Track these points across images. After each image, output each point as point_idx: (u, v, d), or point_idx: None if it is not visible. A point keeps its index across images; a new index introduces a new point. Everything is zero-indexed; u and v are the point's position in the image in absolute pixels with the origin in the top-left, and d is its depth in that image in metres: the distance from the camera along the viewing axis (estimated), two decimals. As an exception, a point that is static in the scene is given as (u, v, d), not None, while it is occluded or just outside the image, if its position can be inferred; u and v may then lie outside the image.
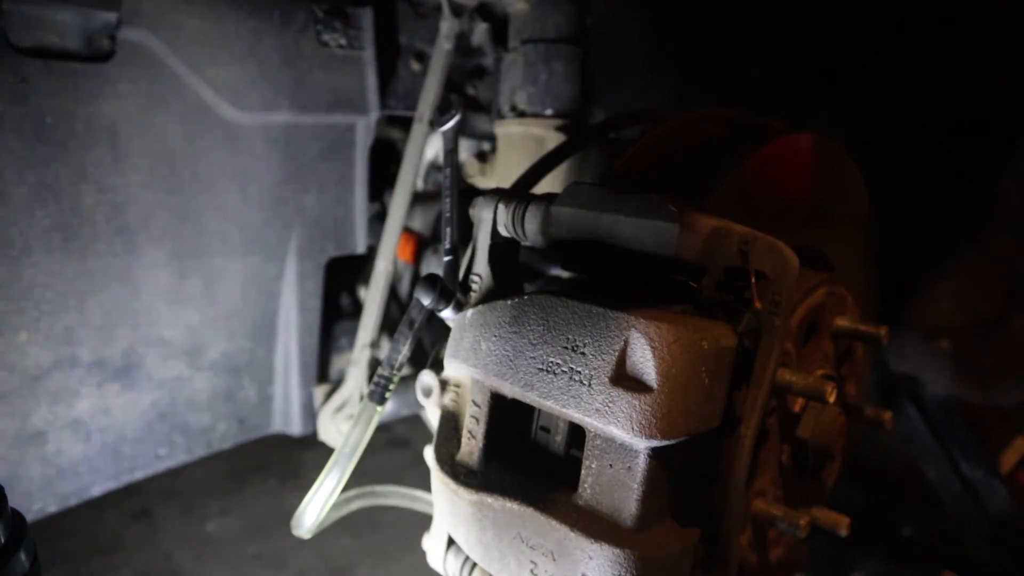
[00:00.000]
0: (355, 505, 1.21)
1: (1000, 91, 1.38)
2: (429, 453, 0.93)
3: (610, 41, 1.86)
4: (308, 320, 1.67)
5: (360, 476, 1.05)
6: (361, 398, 1.67)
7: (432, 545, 1.02)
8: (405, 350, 0.99)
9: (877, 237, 1.22)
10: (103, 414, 1.41)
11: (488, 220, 0.91)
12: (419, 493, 1.28)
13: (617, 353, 0.73)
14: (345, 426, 1.68)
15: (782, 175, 1.00)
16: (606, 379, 0.73)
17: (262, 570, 2.01)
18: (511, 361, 0.80)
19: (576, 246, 0.85)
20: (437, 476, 0.89)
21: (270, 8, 1.44)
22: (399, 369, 1.00)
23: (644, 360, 0.71)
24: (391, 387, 1.02)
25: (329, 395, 1.71)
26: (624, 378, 0.72)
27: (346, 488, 1.08)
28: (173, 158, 1.39)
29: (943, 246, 1.48)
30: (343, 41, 1.55)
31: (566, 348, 0.76)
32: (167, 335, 1.47)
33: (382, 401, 1.02)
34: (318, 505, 1.03)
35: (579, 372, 0.75)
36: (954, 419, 1.63)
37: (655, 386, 0.71)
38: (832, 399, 0.82)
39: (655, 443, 0.71)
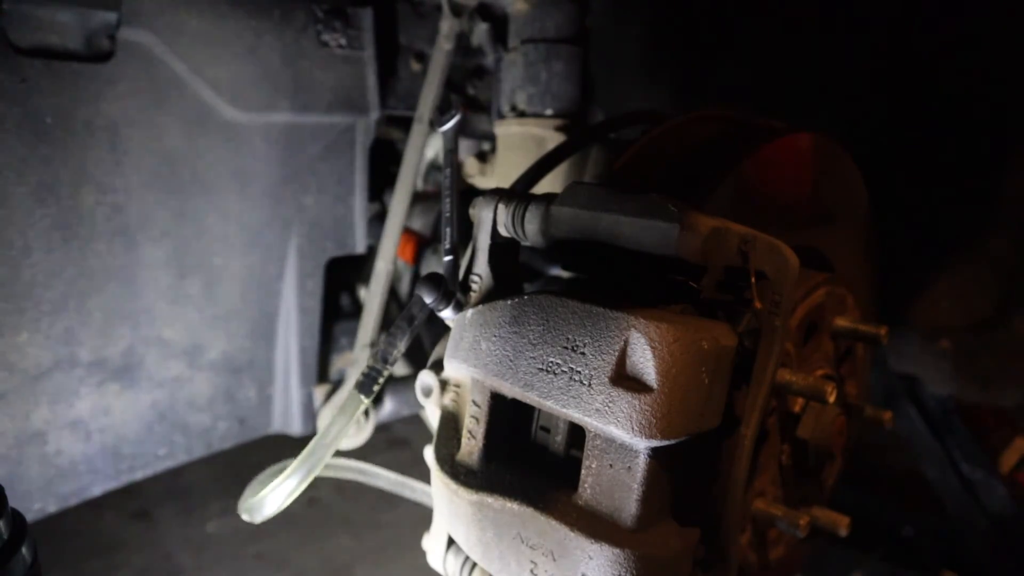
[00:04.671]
0: (345, 475, 1.19)
1: (1000, 90, 1.38)
2: (429, 453, 0.93)
3: (610, 41, 1.87)
4: (308, 320, 1.67)
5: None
6: (361, 398, 1.67)
7: (432, 545, 1.02)
8: (401, 345, 0.98)
9: (877, 237, 1.22)
10: (103, 414, 1.41)
11: (488, 220, 0.91)
12: (411, 481, 1.27)
13: (617, 353, 0.73)
14: (345, 426, 1.67)
15: (782, 175, 1.00)
16: (606, 379, 0.73)
17: (262, 570, 2.01)
18: (511, 361, 0.80)
19: (576, 246, 0.85)
20: (437, 476, 0.89)
21: (270, 8, 1.44)
22: (392, 364, 0.99)
23: (644, 360, 0.72)
24: (380, 380, 1.01)
25: (329, 395, 1.71)
26: (624, 378, 0.72)
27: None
28: (173, 158, 1.39)
29: (943, 246, 1.48)
30: (343, 41, 1.55)
31: (566, 348, 0.76)
32: (167, 335, 1.47)
33: (370, 393, 1.01)
34: (280, 498, 1.01)
35: (579, 372, 0.75)
36: (954, 419, 1.63)
37: (655, 386, 0.71)
38: (832, 399, 0.82)
39: (655, 443, 0.71)
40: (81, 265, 1.32)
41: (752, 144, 0.97)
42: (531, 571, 0.81)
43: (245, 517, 1.02)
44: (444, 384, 0.96)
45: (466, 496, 0.84)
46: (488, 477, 0.85)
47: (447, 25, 1.55)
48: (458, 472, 0.88)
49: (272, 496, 1.01)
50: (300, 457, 1.01)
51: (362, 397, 1.02)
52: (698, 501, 0.81)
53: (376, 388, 1.01)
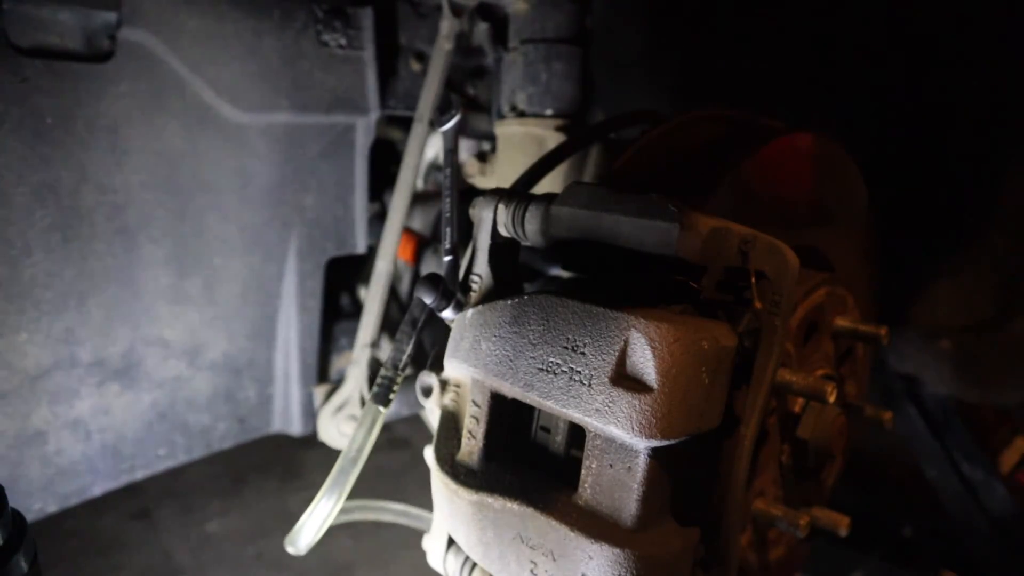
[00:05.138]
0: (349, 517, 1.20)
1: (1001, 90, 1.38)
2: (429, 453, 0.93)
3: (610, 41, 1.86)
4: (308, 320, 1.67)
5: (360, 477, 1.04)
6: (361, 398, 1.67)
7: (432, 545, 1.02)
8: (409, 349, 0.99)
9: (877, 237, 1.22)
10: (103, 414, 1.41)
11: (488, 220, 0.91)
12: (413, 509, 1.27)
13: (617, 353, 0.73)
14: (345, 426, 1.68)
15: (782, 175, 1.00)
16: (606, 379, 0.73)
17: (262, 570, 2.01)
18: (511, 361, 0.80)
19: (576, 246, 0.85)
20: (437, 476, 0.89)
21: (270, 8, 1.44)
22: (403, 369, 1.00)
23: (644, 360, 0.71)
24: (395, 388, 1.01)
25: (329, 395, 1.71)
26: (624, 378, 0.72)
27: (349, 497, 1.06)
28: (173, 158, 1.39)
29: (943, 246, 1.48)
30: (343, 41, 1.55)
31: (566, 348, 0.76)
32: (167, 335, 1.47)
33: (387, 403, 1.02)
34: (316, 524, 1.01)
35: (579, 372, 0.75)
36: (954, 419, 1.63)
37: (655, 386, 0.71)
38: (832, 399, 0.82)
39: (655, 443, 0.71)
40: (81, 265, 1.32)
41: (752, 144, 0.97)
42: (531, 571, 0.81)
43: (291, 550, 1.02)
44: (444, 384, 0.96)
45: (466, 496, 0.84)
46: (488, 477, 0.85)
47: (447, 25, 1.55)
48: (458, 472, 0.88)
49: (309, 523, 1.01)
50: (329, 480, 1.01)
51: (380, 408, 1.02)
52: (698, 501, 0.81)
53: (392, 396, 1.01)
